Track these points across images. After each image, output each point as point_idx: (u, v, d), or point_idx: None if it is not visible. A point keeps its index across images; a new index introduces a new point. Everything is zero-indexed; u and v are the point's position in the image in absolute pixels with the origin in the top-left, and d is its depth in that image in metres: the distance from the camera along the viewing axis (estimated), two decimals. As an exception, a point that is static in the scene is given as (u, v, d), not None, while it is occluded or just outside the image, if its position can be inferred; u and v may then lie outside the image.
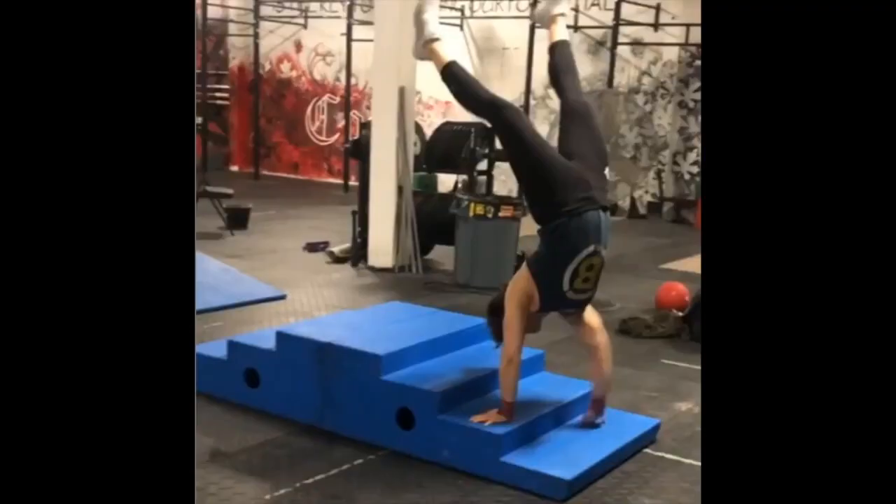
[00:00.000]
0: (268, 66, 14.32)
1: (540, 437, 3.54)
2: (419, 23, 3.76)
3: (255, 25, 13.60)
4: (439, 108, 12.36)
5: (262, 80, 14.14)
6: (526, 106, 11.38)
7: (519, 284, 3.48)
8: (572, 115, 3.60)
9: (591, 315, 3.62)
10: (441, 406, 3.45)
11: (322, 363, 3.71)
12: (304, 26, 13.90)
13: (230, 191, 8.98)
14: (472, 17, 12.33)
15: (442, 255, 7.63)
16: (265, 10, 13.75)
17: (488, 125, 3.59)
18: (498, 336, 3.58)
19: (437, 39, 3.72)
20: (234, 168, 14.62)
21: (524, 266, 3.51)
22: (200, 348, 4.25)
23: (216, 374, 4.02)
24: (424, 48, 3.75)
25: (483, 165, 8.01)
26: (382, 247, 7.23)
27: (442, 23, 12.50)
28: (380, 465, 3.45)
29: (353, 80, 12.95)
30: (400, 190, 7.14)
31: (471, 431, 3.37)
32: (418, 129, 7.66)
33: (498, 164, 8.27)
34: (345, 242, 7.75)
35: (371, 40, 8.34)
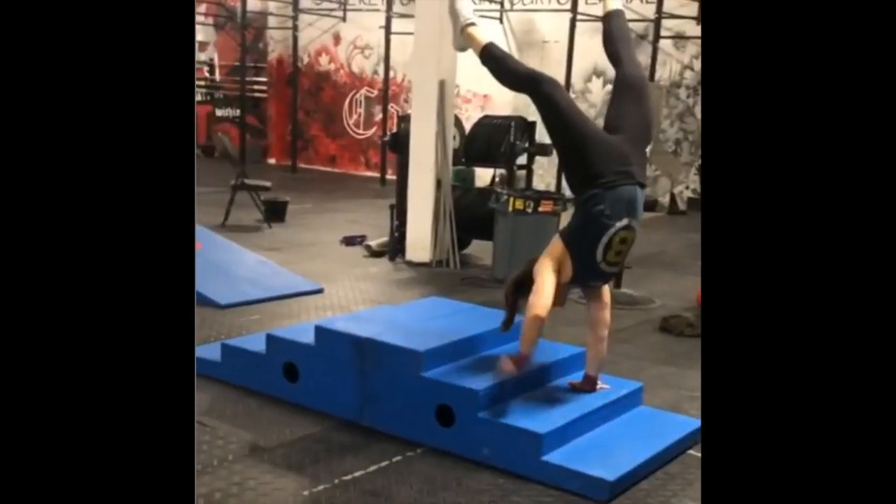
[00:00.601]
0: (306, 59, 14.34)
1: (582, 436, 3.47)
2: (454, 13, 3.78)
3: (294, 18, 13.62)
4: (478, 101, 12.29)
5: (301, 73, 14.17)
6: (565, 100, 11.25)
7: (553, 253, 3.49)
8: (625, 88, 3.58)
9: (605, 291, 3.68)
10: (482, 403, 3.40)
11: (361, 358, 3.68)
12: (343, 19, 13.89)
13: (268, 183, 8.99)
14: (511, 10, 12.23)
15: (480, 249, 7.58)
16: (304, 3, 13.78)
17: (529, 101, 3.64)
18: (510, 317, 3.63)
19: (472, 24, 3.74)
20: (272, 161, 14.68)
21: (556, 237, 3.53)
22: (238, 342, 4.25)
23: (255, 367, 4.01)
24: (462, 35, 3.76)
25: (523, 159, 7.92)
26: (420, 241, 7.19)
27: (481, 16, 12.38)
28: (419, 462, 3.41)
29: (391, 73, 12.92)
30: (438, 184, 7.09)
31: (511, 430, 3.31)
32: (457, 123, 7.61)
33: (538, 158, 8.19)
34: (382, 236, 7.72)
35: (410, 33, 8.31)
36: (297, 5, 13.61)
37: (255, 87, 14.54)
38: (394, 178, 11.59)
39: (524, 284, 3.56)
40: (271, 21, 14.35)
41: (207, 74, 15.46)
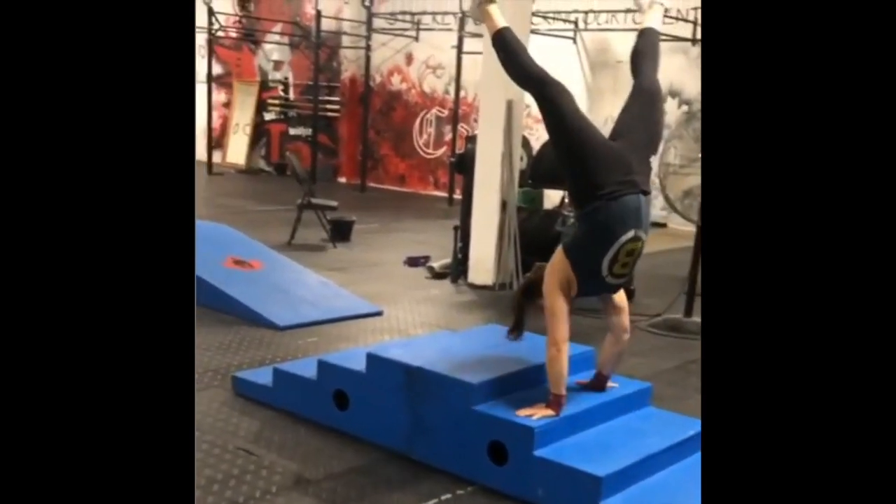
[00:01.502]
0: (378, 79, 14.38)
1: (643, 479, 3.24)
2: None
3: (368, 38, 13.67)
4: (548, 121, 12.09)
5: (373, 93, 14.21)
6: (639, 121, 10.98)
7: (558, 270, 3.36)
8: (637, 95, 3.52)
9: (621, 296, 3.57)
10: (537, 441, 3.21)
11: (412, 388, 3.53)
12: (416, 38, 13.89)
13: (334, 203, 8.96)
14: (585, 30, 12.02)
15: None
16: (378, 23, 13.82)
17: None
18: (519, 324, 3.60)
19: (493, 1, 3.64)
20: (342, 180, 14.73)
21: (559, 251, 3.39)
22: (290, 366, 4.15)
23: (305, 394, 3.90)
24: (480, 8, 3.65)
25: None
26: (483, 263, 7.03)
27: (555, 35, 12.19)
28: (468, 502, 3.23)
29: (462, 93, 12.83)
30: (504, 205, 6.93)
31: (569, 471, 3.11)
32: (525, 144, 7.43)
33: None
34: (446, 257, 7.59)
35: (481, 52, 8.17)
36: (370, 25, 13.66)
37: (328, 106, 14.63)
38: (458, 197, 11.52)
39: (533, 291, 3.50)
40: (345, 40, 14.44)
41: (282, 93, 15.65)
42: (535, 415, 3.28)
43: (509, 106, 6.78)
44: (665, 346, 5.57)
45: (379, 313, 5.89)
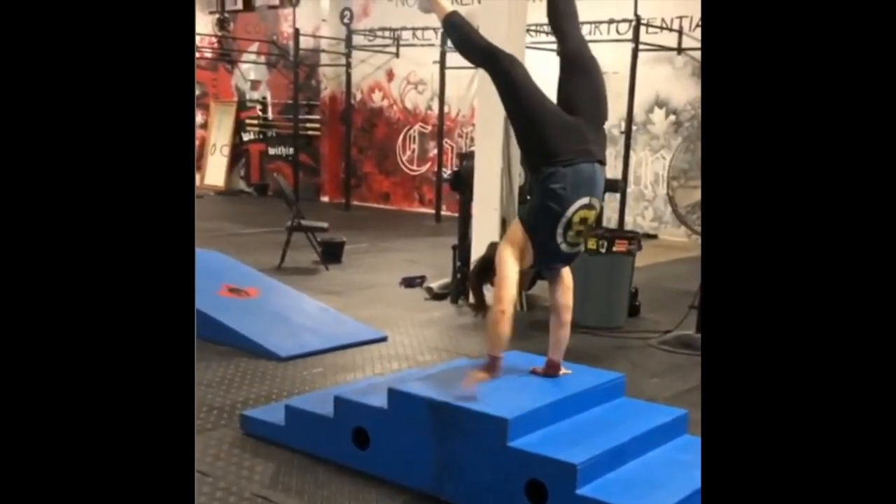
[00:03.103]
0: (359, 96, 14.19)
1: (692, 516, 3.05)
2: None
3: (348, 55, 13.48)
4: (535, 135, 11.95)
5: (354, 110, 14.01)
6: (628, 131, 10.88)
7: (512, 240, 3.43)
8: (573, 66, 3.52)
9: (567, 274, 3.63)
10: (580, 479, 3.00)
11: (439, 425, 3.31)
12: (396, 55, 13.72)
13: (325, 224, 8.73)
14: (568, 42, 11.91)
15: (546, 289, 7.20)
16: (357, 39, 13.63)
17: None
18: (479, 301, 3.66)
19: None
20: (325, 199, 14.50)
21: (516, 221, 3.48)
22: (303, 402, 3.91)
23: (322, 432, 3.66)
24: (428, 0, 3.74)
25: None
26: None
27: (538, 48, 12.08)
28: (508, 547, 3.02)
29: (445, 108, 12.66)
30: (503, 223, 6.73)
31: (614, 510, 2.91)
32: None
33: (606, 195, 7.79)
34: (441, 276, 7.38)
35: (465, 67, 7.97)
36: (349, 42, 13.47)
37: (309, 124, 14.41)
38: (449, 214, 11.31)
39: (488, 270, 3.52)
40: (324, 58, 14.24)
41: (260, 113, 15.40)
42: (476, 378, 3.32)
43: (507, 121, 6.60)
44: (681, 365, 5.40)
45: (383, 339, 5.66)
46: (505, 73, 3.47)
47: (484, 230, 6.77)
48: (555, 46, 11.79)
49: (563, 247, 3.40)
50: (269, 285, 6.24)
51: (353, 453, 3.56)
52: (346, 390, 3.81)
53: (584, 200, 3.33)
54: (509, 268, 3.36)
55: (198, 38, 14.67)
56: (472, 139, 11.88)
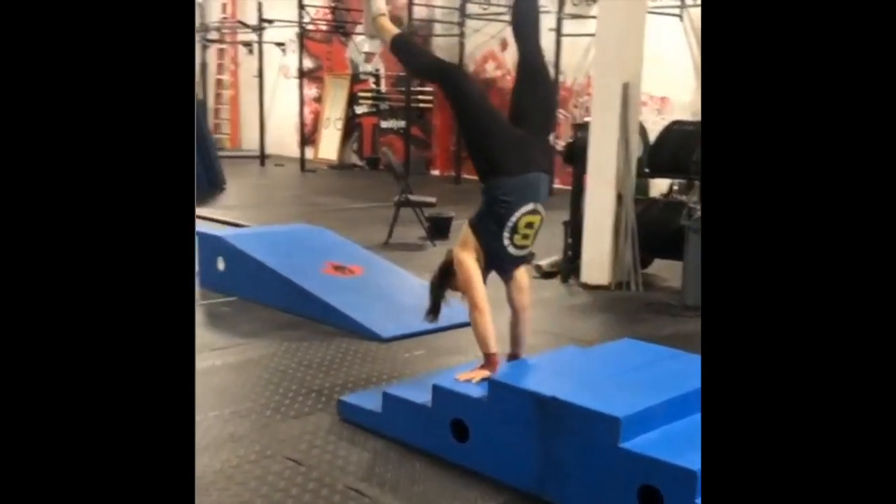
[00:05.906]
0: (472, 66, 13.90)
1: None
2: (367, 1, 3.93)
3: (461, 24, 13.19)
4: (654, 104, 11.40)
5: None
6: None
7: (465, 243, 3.59)
8: (526, 76, 3.66)
9: (522, 275, 3.81)
10: (700, 486, 2.69)
11: (544, 420, 3.06)
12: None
13: (433, 199, 8.54)
14: (693, 6, 11.25)
15: (664, 269, 6.80)
16: (471, 8, 13.32)
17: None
18: (436, 307, 3.78)
19: (383, 14, 3.92)
20: (436, 172, 14.34)
21: (465, 225, 3.63)
22: (401, 390, 3.72)
23: (419, 421, 3.46)
24: (374, 24, 3.90)
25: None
26: (597, 261, 6.49)
27: (659, 13, 11.48)
28: (618, 559, 2.75)
29: (560, 77, 12.23)
30: (620, 198, 6.36)
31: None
32: (642, 130, 6.84)
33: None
34: (550, 253, 7.07)
35: (581, 34, 7.62)
36: (464, 11, 13.18)
37: (421, 97, 14.24)
38: (561, 187, 10.93)
39: (448, 274, 3.68)
40: (437, 28, 14.01)
41: (373, 85, 15.35)
42: (475, 378, 3.37)
43: (625, 89, 6.21)
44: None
45: (489, 320, 5.41)
46: (456, 87, 3.64)
47: (598, 205, 6.43)
48: (677, 11, 11.12)
49: (511, 249, 3.58)
50: (372, 262, 6.10)
51: (452, 445, 3.35)
52: (445, 378, 3.59)
53: (529, 206, 3.51)
54: (470, 268, 3.53)
55: (312, 11, 14.71)
56: (587, 109, 11.43)
